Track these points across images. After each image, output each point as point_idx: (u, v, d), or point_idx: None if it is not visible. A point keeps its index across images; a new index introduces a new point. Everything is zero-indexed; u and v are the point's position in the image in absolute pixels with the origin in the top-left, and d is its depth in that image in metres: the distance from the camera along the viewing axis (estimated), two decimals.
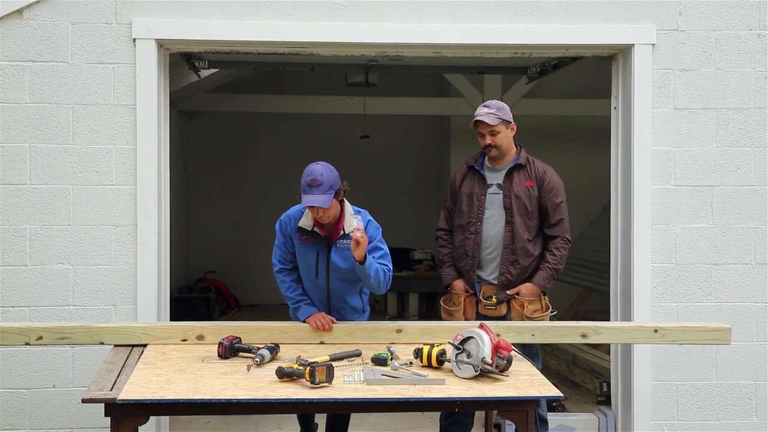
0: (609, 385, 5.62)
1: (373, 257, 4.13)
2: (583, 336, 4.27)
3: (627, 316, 5.10)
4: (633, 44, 5.00)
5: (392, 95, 9.65)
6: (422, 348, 3.72)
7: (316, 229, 4.18)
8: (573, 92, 9.30)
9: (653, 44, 5.00)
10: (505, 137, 4.60)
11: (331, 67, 7.54)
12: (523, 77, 8.20)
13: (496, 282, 4.63)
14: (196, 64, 6.57)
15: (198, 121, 10.88)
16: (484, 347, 3.50)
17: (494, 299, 4.62)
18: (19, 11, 4.75)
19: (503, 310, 4.62)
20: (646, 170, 5.02)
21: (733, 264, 5.08)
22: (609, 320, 5.28)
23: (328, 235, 4.21)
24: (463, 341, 3.59)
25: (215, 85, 9.37)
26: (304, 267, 4.30)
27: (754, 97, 5.06)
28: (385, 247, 4.25)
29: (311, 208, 4.02)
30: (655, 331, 4.27)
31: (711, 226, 5.07)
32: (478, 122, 4.55)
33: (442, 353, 3.68)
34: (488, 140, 4.56)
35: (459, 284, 4.72)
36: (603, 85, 5.73)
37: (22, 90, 4.77)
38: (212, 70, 7.69)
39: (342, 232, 4.18)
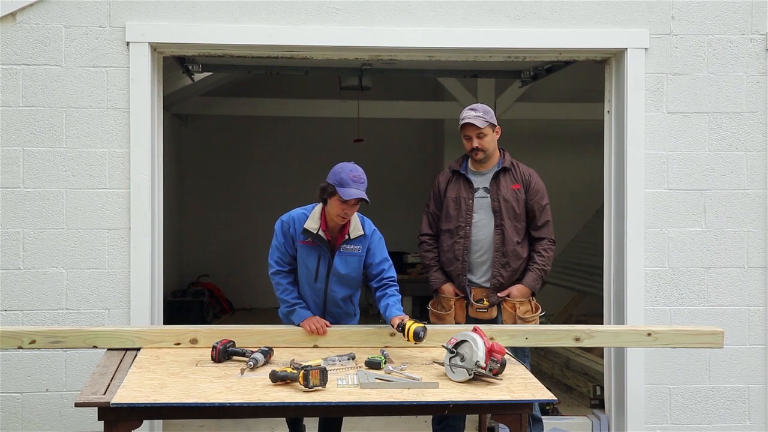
0: (602, 388, 5.62)
1: (383, 269, 4.26)
2: (577, 339, 4.28)
3: (620, 319, 5.11)
4: (626, 48, 5.02)
5: (386, 99, 9.64)
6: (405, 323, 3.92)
7: (321, 232, 4.17)
8: (566, 96, 9.31)
9: (646, 48, 5.02)
10: (492, 140, 4.62)
11: (324, 70, 7.55)
12: (517, 81, 8.23)
13: (487, 285, 4.64)
14: (190, 67, 6.57)
15: (192, 124, 10.86)
16: (477, 351, 3.51)
17: (486, 302, 4.62)
18: (12, 14, 4.75)
19: (494, 312, 4.63)
20: (639, 174, 5.03)
21: (725, 267, 5.09)
22: (602, 324, 5.29)
23: (332, 239, 4.21)
24: (457, 345, 3.60)
25: (209, 88, 9.36)
26: (303, 270, 4.28)
27: (747, 101, 5.08)
28: (387, 254, 4.33)
29: (345, 204, 4.01)
30: (649, 334, 4.28)
31: (704, 230, 5.08)
32: (466, 125, 4.57)
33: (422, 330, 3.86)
34: (476, 143, 4.57)
35: (448, 288, 4.71)
36: (596, 89, 5.75)
37: (15, 93, 4.76)
38: (206, 74, 7.70)
39: (347, 237, 4.19)
